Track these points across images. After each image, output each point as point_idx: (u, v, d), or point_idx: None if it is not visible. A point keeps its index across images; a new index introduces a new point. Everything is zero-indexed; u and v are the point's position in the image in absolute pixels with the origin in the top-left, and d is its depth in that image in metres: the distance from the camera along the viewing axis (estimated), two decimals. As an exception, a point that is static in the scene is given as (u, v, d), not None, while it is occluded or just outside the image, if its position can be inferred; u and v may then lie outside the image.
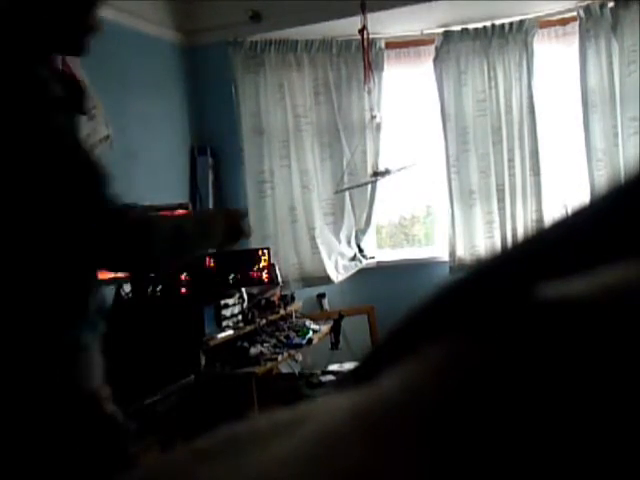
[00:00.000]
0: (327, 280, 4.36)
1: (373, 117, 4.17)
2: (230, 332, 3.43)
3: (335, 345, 3.74)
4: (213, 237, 1.46)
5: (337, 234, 4.47)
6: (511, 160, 4.28)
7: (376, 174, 4.01)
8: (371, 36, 3.90)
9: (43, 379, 1.22)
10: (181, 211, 3.46)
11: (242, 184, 4.38)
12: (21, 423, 1.21)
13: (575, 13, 4.14)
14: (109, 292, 3.38)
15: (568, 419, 0.15)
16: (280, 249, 4.32)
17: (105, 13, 3.86)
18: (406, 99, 4.57)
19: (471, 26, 4.27)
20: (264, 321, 3.70)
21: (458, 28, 4.28)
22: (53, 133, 1.18)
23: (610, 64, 4.07)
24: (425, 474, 0.15)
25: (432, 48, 4.37)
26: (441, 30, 4.31)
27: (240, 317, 3.59)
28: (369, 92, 4.08)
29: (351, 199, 4.46)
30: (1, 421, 1.20)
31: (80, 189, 1.19)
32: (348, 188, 4.24)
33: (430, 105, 4.44)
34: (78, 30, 1.35)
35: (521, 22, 4.21)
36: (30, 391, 1.21)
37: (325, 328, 3.86)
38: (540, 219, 4.23)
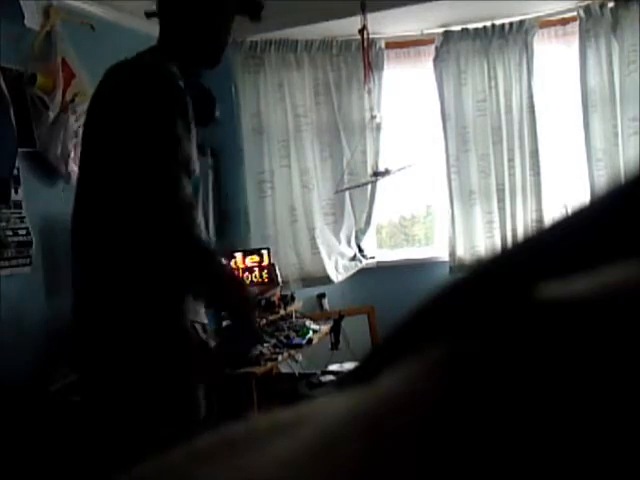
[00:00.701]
0: (327, 280, 4.36)
1: (373, 117, 4.17)
2: (230, 332, 3.42)
3: (335, 345, 3.73)
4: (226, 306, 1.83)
5: (337, 234, 4.47)
6: (511, 160, 4.27)
7: (376, 174, 4.01)
8: (371, 36, 3.90)
9: (159, 309, 1.64)
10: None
11: (242, 184, 4.38)
12: (142, 342, 1.62)
13: (575, 13, 4.14)
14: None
15: (568, 419, 0.15)
16: (280, 249, 4.32)
17: (105, 13, 3.85)
18: (406, 99, 4.56)
19: (471, 26, 4.26)
20: (264, 321, 3.70)
21: (458, 28, 4.28)
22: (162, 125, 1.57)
23: (610, 64, 4.07)
24: (425, 474, 0.15)
25: (432, 48, 4.37)
26: (441, 30, 4.31)
27: (240, 317, 3.59)
28: (369, 92, 4.07)
29: (351, 199, 4.46)
30: (127, 339, 1.62)
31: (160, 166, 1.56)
32: (348, 188, 4.24)
33: (430, 105, 4.44)
34: (219, 51, 1.76)
35: (521, 22, 4.21)
36: (151, 318, 1.63)
37: (325, 328, 3.86)
38: (540, 219, 4.23)
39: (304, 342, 3.61)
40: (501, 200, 4.29)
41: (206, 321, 1.79)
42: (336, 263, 4.42)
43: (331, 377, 3.59)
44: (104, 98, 1.69)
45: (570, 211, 0.20)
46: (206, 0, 1.73)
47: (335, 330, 3.73)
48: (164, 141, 1.57)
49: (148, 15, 1.86)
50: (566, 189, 4.25)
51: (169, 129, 1.57)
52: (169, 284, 1.63)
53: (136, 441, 1.62)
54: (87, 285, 1.70)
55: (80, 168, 1.78)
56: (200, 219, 1.67)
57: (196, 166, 1.70)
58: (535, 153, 4.24)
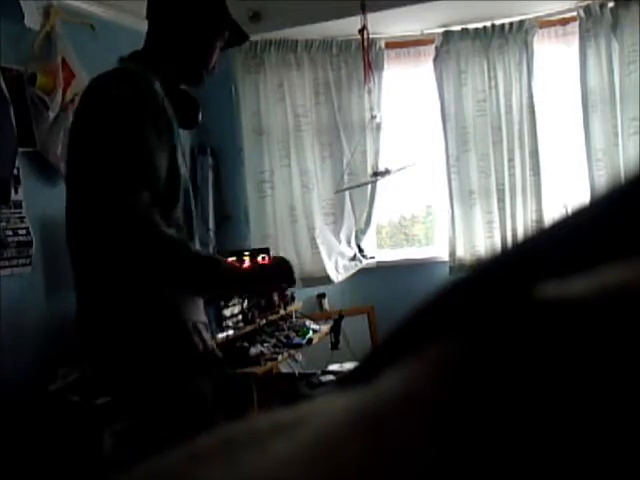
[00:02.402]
0: (327, 280, 4.36)
1: (373, 117, 4.17)
2: (230, 332, 3.43)
3: (335, 345, 3.73)
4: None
5: (337, 234, 4.47)
6: (511, 160, 4.27)
7: (376, 174, 4.01)
8: (371, 36, 3.90)
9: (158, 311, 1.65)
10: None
11: (242, 184, 4.38)
12: (142, 345, 1.64)
13: (575, 13, 4.14)
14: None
15: (568, 419, 0.15)
16: (280, 249, 4.32)
17: (105, 13, 3.85)
18: (406, 99, 4.57)
19: (471, 26, 4.27)
20: (264, 321, 3.70)
21: (458, 28, 4.28)
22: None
23: (610, 64, 4.07)
24: (426, 474, 0.15)
25: (432, 48, 4.37)
26: (441, 30, 4.31)
27: (240, 317, 3.59)
28: (369, 92, 4.07)
29: (351, 199, 4.46)
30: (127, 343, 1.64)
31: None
32: (348, 188, 4.24)
33: (430, 105, 4.44)
34: (201, 72, 1.80)
35: (521, 22, 4.21)
36: (152, 322, 1.64)
37: (325, 328, 3.86)
38: (540, 219, 4.23)
39: (304, 342, 3.61)
40: (501, 200, 4.29)
41: (206, 320, 1.81)
42: (336, 263, 4.42)
43: (331, 377, 3.59)
44: (81, 109, 1.71)
45: (570, 211, 0.20)
46: (195, 19, 1.74)
47: (335, 330, 3.73)
48: (115, 150, 1.54)
49: None
50: (566, 189, 4.25)
51: (125, 137, 1.55)
52: (159, 285, 1.63)
53: (142, 438, 1.67)
54: (83, 291, 1.72)
55: (65, 177, 1.80)
56: (177, 220, 1.68)
57: (182, 170, 1.69)
58: (535, 153, 4.24)
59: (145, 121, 1.56)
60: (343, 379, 0.23)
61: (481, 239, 4.33)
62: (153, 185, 1.56)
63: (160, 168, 1.60)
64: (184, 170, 1.73)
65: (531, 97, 4.23)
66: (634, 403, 0.15)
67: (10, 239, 2.93)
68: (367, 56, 3.94)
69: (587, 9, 4.07)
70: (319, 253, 4.36)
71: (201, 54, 1.77)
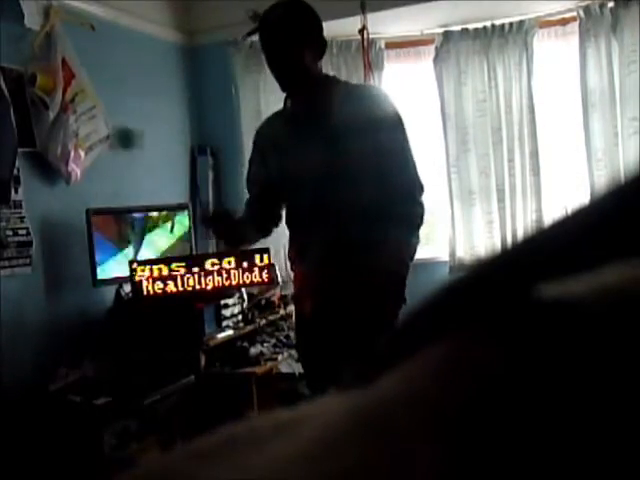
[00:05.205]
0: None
1: (373, 117, 4.16)
2: (230, 332, 3.43)
3: (335, 345, 3.73)
4: None
5: (337, 234, 4.46)
6: (511, 160, 4.27)
7: (376, 174, 3.99)
8: (371, 36, 3.90)
9: None
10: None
11: (242, 184, 4.38)
12: None
13: (575, 13, 4.14)
14: (109, 292, 3.38)
15: (568, 420, 0.15)
16: (280, 249, 4.32)
17: (105, 13, 3.85)
18: (406, 99, 4.56)
19: (471, 26, 4.26)
20: (264, 321, 3.70)
21: (458, 28, 4.28)
22: None
23: (610, 64, 4.07)
24: (427, 474, 0.15)
25: (432, 48, 4.37)
26: (441, 30, 4.31)
27: (240, 317, 3.59)
28: (369, 92, 4.06)
29: (351, 199, 4.45)
30: None
31: None
32: (348, 188, 4.23)
33: (430, 105, 4.43)
34: None
35: (521, 22, 4.21)
36: None
37: (325, 328, 3.85)
38: (540, 219, 4.23)
39: (304, 342, 3.61)
40: (501, 200, 4.29)
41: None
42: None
43: (331, 377, 3.59)
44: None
45: (570, 211, 0.20)
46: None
47: (335, 330, 3.72)
48: None
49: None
50: (566, 189, 4.25)
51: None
52: None
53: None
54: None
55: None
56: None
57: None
58: (535, 153, 4.24)
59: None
60: (343, 379, 0.23)
61: (481, 239, 4.33)
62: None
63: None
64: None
65: (531, 97, 4.22)
66: (633, 404, 0.15)
67: (10, 239, 2.93)
68: (367, 56, 3.94)
69: (587, 9, 4.07)
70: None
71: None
